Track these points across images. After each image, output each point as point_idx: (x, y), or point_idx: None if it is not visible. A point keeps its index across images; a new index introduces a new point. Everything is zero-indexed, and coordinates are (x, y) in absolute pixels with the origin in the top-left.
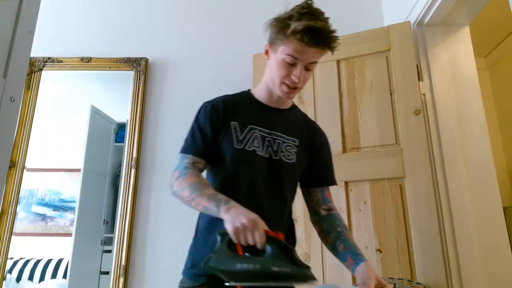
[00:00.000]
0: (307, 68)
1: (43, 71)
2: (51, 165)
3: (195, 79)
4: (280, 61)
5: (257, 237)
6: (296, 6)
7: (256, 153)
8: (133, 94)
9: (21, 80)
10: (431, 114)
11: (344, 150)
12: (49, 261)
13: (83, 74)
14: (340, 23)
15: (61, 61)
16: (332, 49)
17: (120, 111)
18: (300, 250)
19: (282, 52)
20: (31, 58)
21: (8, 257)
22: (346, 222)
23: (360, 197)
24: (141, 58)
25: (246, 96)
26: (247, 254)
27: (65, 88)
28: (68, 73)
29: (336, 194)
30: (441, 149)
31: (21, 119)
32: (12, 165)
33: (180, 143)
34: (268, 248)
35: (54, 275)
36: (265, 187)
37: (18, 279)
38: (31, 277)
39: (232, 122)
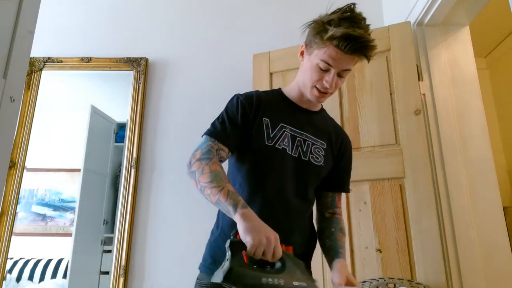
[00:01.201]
0: (340, 75)
1: (43, 71)
2: (51, 165)
3: (195, 79)
4: (314, 65)
5: (276, 254)
6: (338, 9)
7: (286, 152)
8: (133, 94)
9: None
10: (431, 114)
11: None
12: (49, 261)
13: (83, 74)
14: None
15: (61, 61)
16: (368, 58)
17: (120, 111)
18: None
19: (316, 56)
20: (31, 58)
21: (8, 257)
22: (346, 222)
23: (360, 197)
24: (141, 58)
25: (278, 94)
26: (254, 265)
27: (65, 88)
28: (68, 73)
29: None
30: (441, 149)
31: (21, 119)
32: (12, 165)
33: (181, 143)
34: (283, 262)
35: (54, 275)
36: (292, 186)
37: (18, 279)
38: (31, 277)
39: (265, 118)
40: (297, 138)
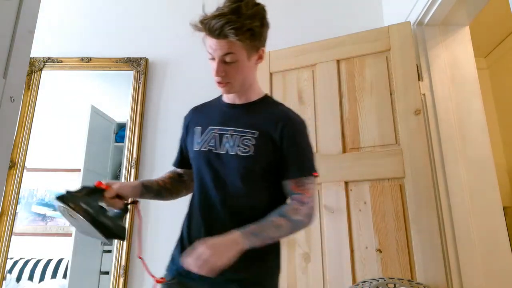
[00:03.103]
0: (226, 61)
1: (43, 71)
2: (51, 165)
3: (195, 79)
4: (208, 57)
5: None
6: None
7: (212, 151)
8: (133, 94)
9: (21, 80)
10: (431, 114)
11: (344, 150)
12: (49, 261)
13: (83, 74)
14: (340, 23)
15: (61, 61)
16: (238, 36)
17: (120, 111)
18: (300, 250)
19: (206, 48)
20: (31, 58)
21: (8, 257)
22: (346, 222)
23: (360, 197)
24: (141, 58)
25: (217, 98)
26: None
27: (65, 88)
28: (68, 73)
29: (336, 194)
30: (441, 149)
31: (21, 119)
32: (12, 165)
33: None
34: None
35: (54, 275)
36: (217, 182)
37: (18, 279)
38: (31, 277)
39: (197, 127)
40: (224, 135)
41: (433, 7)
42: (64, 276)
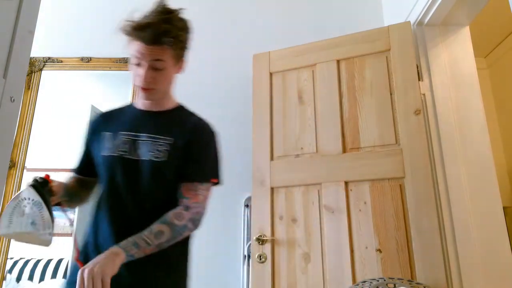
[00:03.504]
0: (155, 67)
1: (43, 71)
2: (51, 165)
3: (195, 79)
4: (131, 63)
5: None
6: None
7: (123, 156)
8: (133, 94)
9: (21, 80)
10: (431, 114)
11: (344, 150)
12: (49, 261)
13: (83, 74)
14: (340, 23)
15: (61, 61)
16: (170, 45)
17: None
18: (300, 250)
19: (130, 54)
20: (31, 58)
21: (8, 257)
22: (346, 222)
23: (360, 197)
24: None
25: (129, 105)
26: None
27: (65, 88)
28: (68, 73)
29: (336, 194)
30: (441, 149)
31: (21, 119)
32: (12, 165)
33: None
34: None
35: (54, 275)
36: (129, 187)
37: (18, 279)
38: (31, 277)
39: (105, 133)
40: (136, 141)
41: (433, 7)
42: (64, 276)
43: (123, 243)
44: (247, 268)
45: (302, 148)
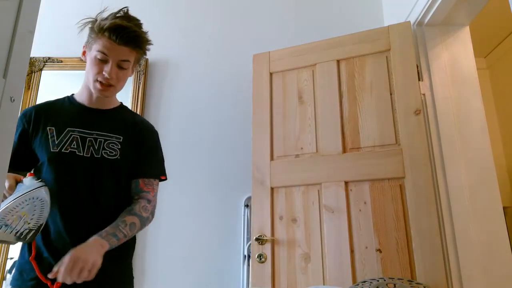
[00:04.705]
0: (121, 66)
1: (43, 71)
2: None
3: (195, 79)
4: (93, 58)
5: None
6: (114, 12)
7: (75, 154)
8: (133, 94)
9: (21, 80)
10: (431, 114)
11: (344, 150)
12: None
13: (83, 74)
14: (340, 23)
15: (61, 61)
16: (143, 50)
17: None
18: (300, 250)
19: (94, 49)
20: (31, 58)
21: (8, 257)
22: (346, 222)
23: (360, 197)
24: None
25: (66, 100)
26: None
27: (65, 88)
28: (68, 73)
29: (336, 194)
30: (441, 149)
31: None
32: None
33: (180, 142)
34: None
35: None
36: (86, 185)
37: None
38: None
39: (49, 127)
40: (88, 138)
41: (433, 7)
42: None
43: (104, 234)
44: (247, 268)
45: (302, 148)
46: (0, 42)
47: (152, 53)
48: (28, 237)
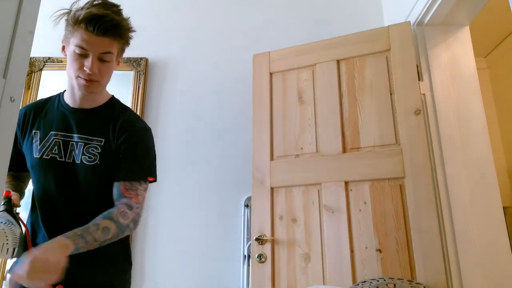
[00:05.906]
0: (103, 59)
1: (43, 71)
2: None
3: (195, 79)
4: (72, 53)
5: None
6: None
7: (56, 160)
8: (133, 94)
9: (21, 80)
10: (431, 114)
11: (344, 150)
12: None
13: None
14: (340, 23)
15: (61, 61)
16: (123, 38)
17: None
18: (300, 250)
19: (72, 44)
20: (31, 58)
21: None
22: (346, 222)
23: (360, 197)
24: (141, 58)
25: (55, 100)
26: None
27: (65, 88)
28: None
29: (336, 194)
30: (441, 149)
31: None
32: None
33: (180, 142)
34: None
35: None
36: (65, 192)
37: None
38: None
39: (34, 131)
40: (70, 142)
41: (433, 7)
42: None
43: (71, 235)
44: (247, 268)
45: (302, 148)
46: (0, 42)
47: (152, 53)
48: (14, 253)
